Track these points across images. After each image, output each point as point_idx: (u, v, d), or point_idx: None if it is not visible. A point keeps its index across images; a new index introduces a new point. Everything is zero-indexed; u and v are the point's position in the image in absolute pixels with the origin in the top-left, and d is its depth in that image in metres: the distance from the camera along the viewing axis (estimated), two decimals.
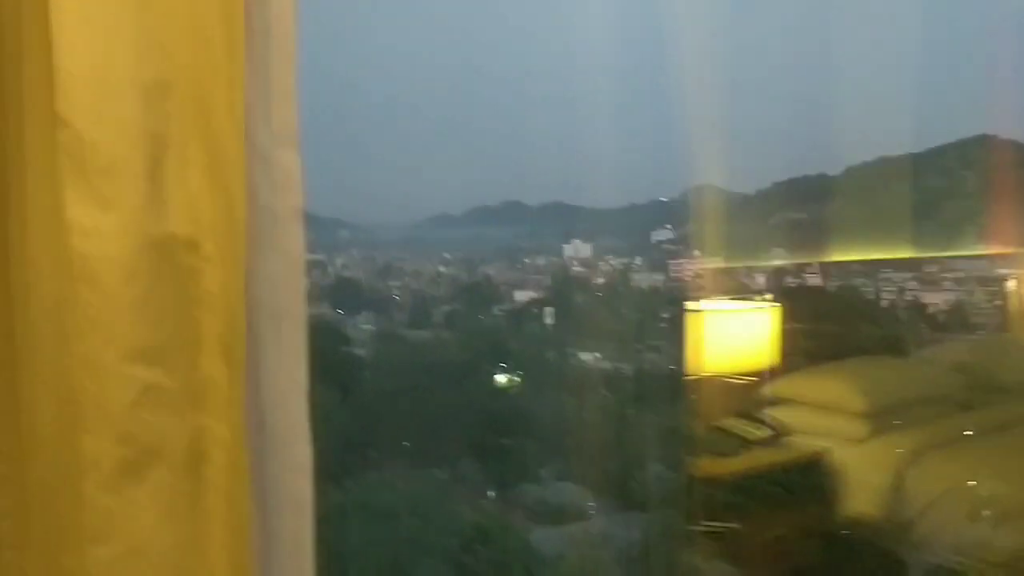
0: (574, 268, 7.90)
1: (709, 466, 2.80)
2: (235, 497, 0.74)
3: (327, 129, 8.17)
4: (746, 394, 2.99)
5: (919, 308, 5.38)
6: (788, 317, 3.43)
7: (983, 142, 5.59)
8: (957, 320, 4.96)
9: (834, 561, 2.91)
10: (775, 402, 3.12)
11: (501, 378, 7.39)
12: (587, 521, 5.93)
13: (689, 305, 2.88)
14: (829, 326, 4.07)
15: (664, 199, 7.12)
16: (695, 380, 2.84)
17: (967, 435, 3.08)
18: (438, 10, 8.20)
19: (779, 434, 2.99)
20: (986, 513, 2.62)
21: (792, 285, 5.43)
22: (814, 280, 5.54)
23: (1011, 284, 4.21)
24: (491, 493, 6.62)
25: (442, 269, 8.17)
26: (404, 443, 6.59)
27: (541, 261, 8.10)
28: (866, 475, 2.96)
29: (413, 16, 8.03)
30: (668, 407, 2.93)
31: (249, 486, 0.77)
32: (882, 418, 3.10)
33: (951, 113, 6.13)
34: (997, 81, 5.02)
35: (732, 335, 2.94)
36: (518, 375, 7.42)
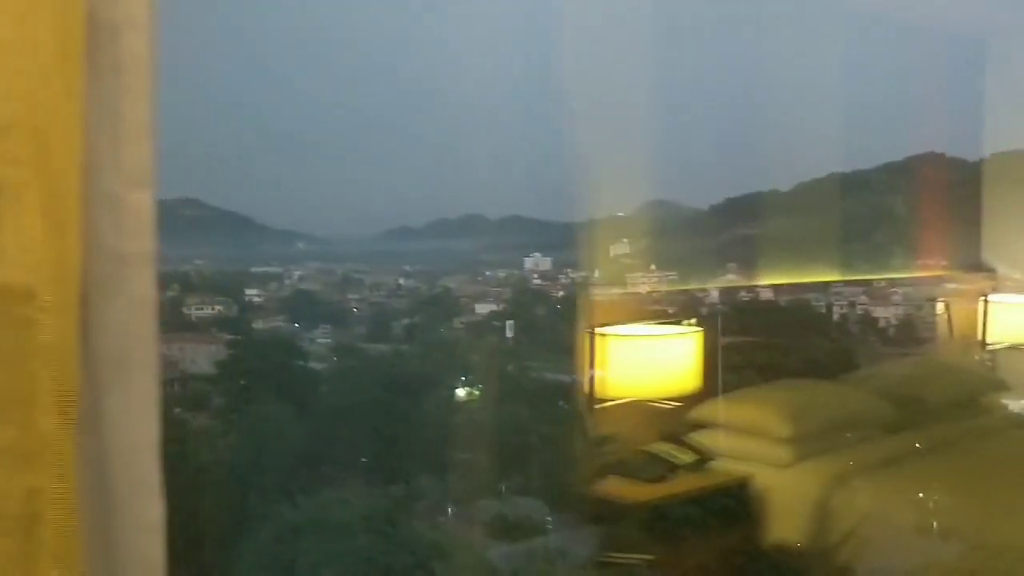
0: (534, 281, 7.90)
1: (636, 491, 2.78)
2: (69, 561, 0.71)
3: (285, 141, 8.11)
4: (672, 418, 2.98)
5: (870, 322, 5.43)
6: (730, 332, 3.43)
7: (930, 159, 5.67)
8: (906, 335, 5.02)
9: None
10: (701, 425, 3.11)
11: (461, 392, 7.35)
12: (545, 536, 5.91)
13: (610, 330, 2.86)
14: (773, 341, 4.08)
15: (621, 214, 7.14)
16: (620, 404, 2.82)
17: (893, 458, 3.08)
18: (400, 23, 8.17)
19: (705, 458, 2.98)
20: (910, 537, 2.62)
21: (745, 298, 5.46)
22: (766, 294, 5.57)
23: (940, 307, 4.28)
24: (450, 509, 6.58)
25: (402, 281, 8.13)
26: (361, 459, 6.53)
27: (502, 274, 8.09)
28: (791, 500, 2.96)
29: (376, 29, 8.00)
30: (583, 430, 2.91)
31: (83, 548, 0.73)
32: (808, 442, 3.10)
33: (900, 130, 6.20)
34: (944, 99, 5.08)
35: (655, 360, 2.93)
36: (478, 389, 7.39)
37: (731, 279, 5.44)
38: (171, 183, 8.21)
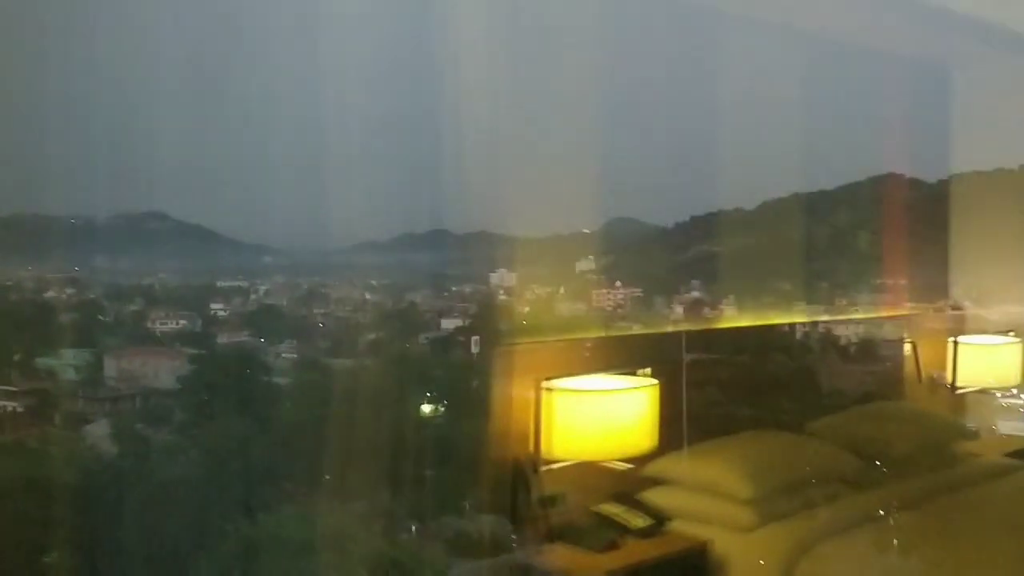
0: (500, 296, 7.90)
1: (584, 561, 2.65)
2: None
3: (252, 155, 8.08)
4: (624, 476, 2.83)
5: (832, 341, 5.48)
6: (695, 348, 3.34)
7: (891, 180, 5.76)
8: (866, 354, 5.04)
9: None
10: (657, 482, 2.94)
11: (426, 407, 7.33)
12: (509, 553, 5.89)
13: (558, 384, 2.73)
14: (737, 359, 4.00)
15: (587, 230, 7.18)
16: (567, 466, 2.71)
17: (860, 519, 2.93)
18: (379, 37, 8.19)
19: (660, 521, 2.82)
20: None
21: (708, 315, 5.50)
22: (731, 311, 5.62)
23: (906, 348, 4.17)
24: (412, 526, 6.54)
25: (368, 296, 8.10)
26: (323, 475, 6.48)
27: (467, 289, 8.09)
28: (754, 569, 2.78)
29: (357, 43, 8.01)
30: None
31: None
32: (770, 503, 2.89)
33: (861, 151, 6.31)
34: (906, 121, 5.17)
35: (606, 417, 2.78)
36: (443, 404, 7.37)
37: (695, 295, 5.49)
38: (136, 196, 8.16)
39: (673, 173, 6.46)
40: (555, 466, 2.71)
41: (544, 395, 2.71)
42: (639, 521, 2.77)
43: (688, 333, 3.61)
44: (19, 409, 7.19)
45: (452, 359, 7.54)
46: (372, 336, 7.97)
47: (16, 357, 7.34)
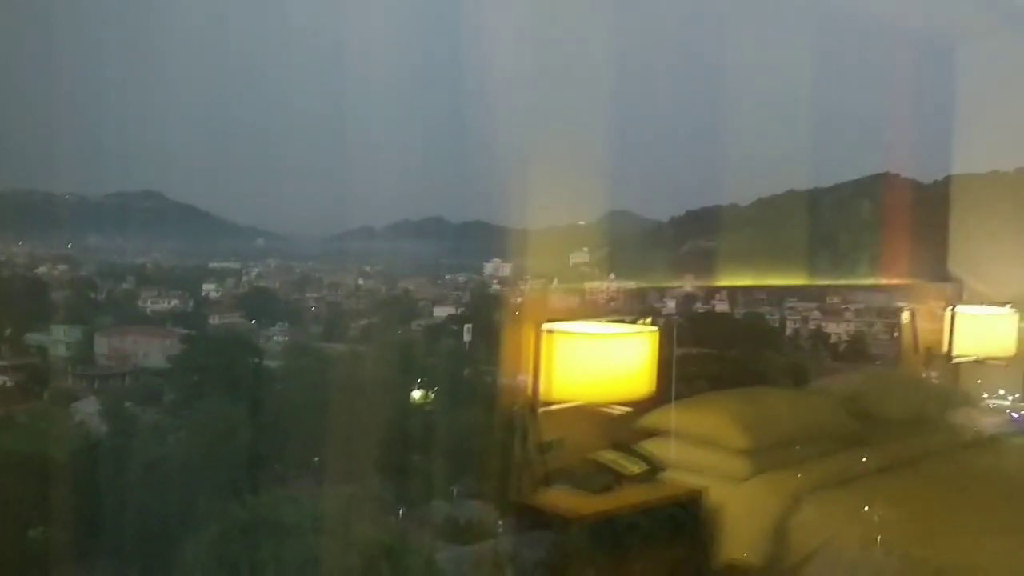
0: (494, 286, 7.91)
1: (580, 502, 2.70)
2: None
3: (250, 137, 8.06)
4: (622, 425, 2.88)
5: (822, 337, 5.52)
6: (685, 342, 3.38)
7: (883, 179, 5.79)
8: (856, 350, 5.08)
9: None
10: (652, 434, 3.01)
11: (416, 394, 7.35)
12: (495, 540, 5.92)
13: (559, 327, 2.76)
14: (728, 353, 4.04)
15: (582, 223, 7.20)
16: (567, 408, 2.75)
17: (856, 475, 2.99)
18: (377, 26, 8.18)
19: (655, 469, 2.88)
20: (871, 559, 2.59)
21: (700, 311, 5.51)
22: (722, 307, 5.64)
23: (904, 317, 4.23)
24: (401, 511, 6.56)
25: (361, 282, 8.10)
26: (313, 458, 6.49)
27: (461, 278, 8.10)
28: (747, 517, 2.82)
29: (350, 30, 8.00)
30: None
31: None
32: (765, 455, 2.97)
33: (856, 151, 6.34)
34: (897, 122, 5.20)
35: (606, 360, 2.82)
36: (433, 391, 7.39)
37: (687, 290, 5.49)
38: (133, 175, 8.15)
39: (670, 167, 6.48)
40: (554, 407, 2.74)
41: (544, 337, 2.73)
42: (635, 468, 2.81)
43: (710, 291, 3.67)
44: (8, 384, 7.18)
45: (444, 346, 7.55)
46: (364, 322, 7.98)
47: (6, 332, 7.32)
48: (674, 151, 6.62)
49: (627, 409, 2.74)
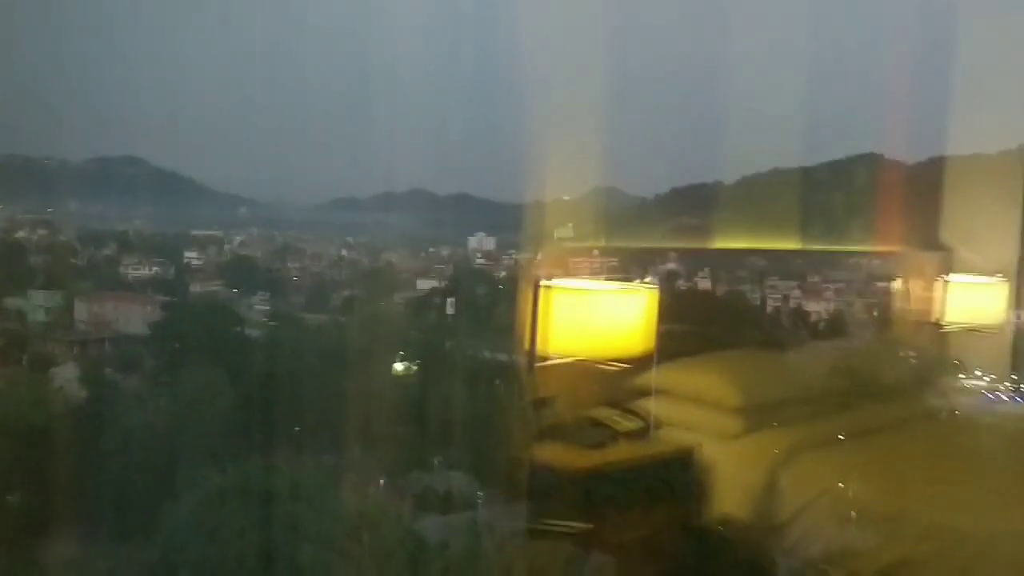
0: (477, 260, 7.91)
1: (574, 457, 2.74)
2: None
3: (234, 104, 7.99)
4: (617, 382, 2.91)
5: (802, 315, 5.55)
6: (669, 313, 3.40)
7: (868, 160, 5.81)
8: (836, 329, 5.12)
9: (701, 563, 2.91)
10: (647, 392, 3.05)
11: (398, 366, 7.35)
12: (473, 510, 5.95)
13: (556, 283, 2.77)
14: (710, 326, 4.07)
15: (567, 197, 7.19)
16: (561, 365, 2.76)
17: (842, 437, 3.07)
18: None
19: (649, 426, 2.93)
20: (856, 519, 2.65)
21: (682, 287, 5.53)
22: (704, 284, 5.66)
23: (894, 285, 4.29)
24: (381, 481, 6.58)
25: (344, 253, 8.08)
26: (293, 428, 6.49)
27: (445, 251, 8.09)
28: (738, 473, 2.89)
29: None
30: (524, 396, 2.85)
31: None
32: (757, 414, 3.03)
33: (841, 131, 6.36)
34: (885, 103, 5.21)
35: (602, 317, 2.84)
36: (415, 363, 7.39)
37: (671, 267, 5.51)
38: (114, 141, 8.06)
39: (656, 145, 6.48)
40: (549, 363, 2.76)
41: (542, 293, 2.74)
42: (628, 424, 2.85)
43: (683, 250, 3.72)
44: None
45: (426, 319, 7.56)
46: (347, 293, 7.96)
47: None
48: (661, 129, 6.62)
49: (623, 366, 2.76)
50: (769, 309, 5.10)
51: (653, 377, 3.01)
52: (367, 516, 5.75)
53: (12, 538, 5.51)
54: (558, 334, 2.76)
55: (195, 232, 8.02)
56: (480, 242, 7.70)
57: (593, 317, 2.80)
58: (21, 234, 7.68)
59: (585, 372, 2.80)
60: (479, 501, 5.81)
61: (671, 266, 5.40)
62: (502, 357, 6.61)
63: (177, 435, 6.37)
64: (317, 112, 7.47)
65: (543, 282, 2.74)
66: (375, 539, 5.59)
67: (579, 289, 2.81)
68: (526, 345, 2.71)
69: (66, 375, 7.27)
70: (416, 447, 6.51)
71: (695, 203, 6.29)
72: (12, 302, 7.38)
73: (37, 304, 7.43)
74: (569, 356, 2.74)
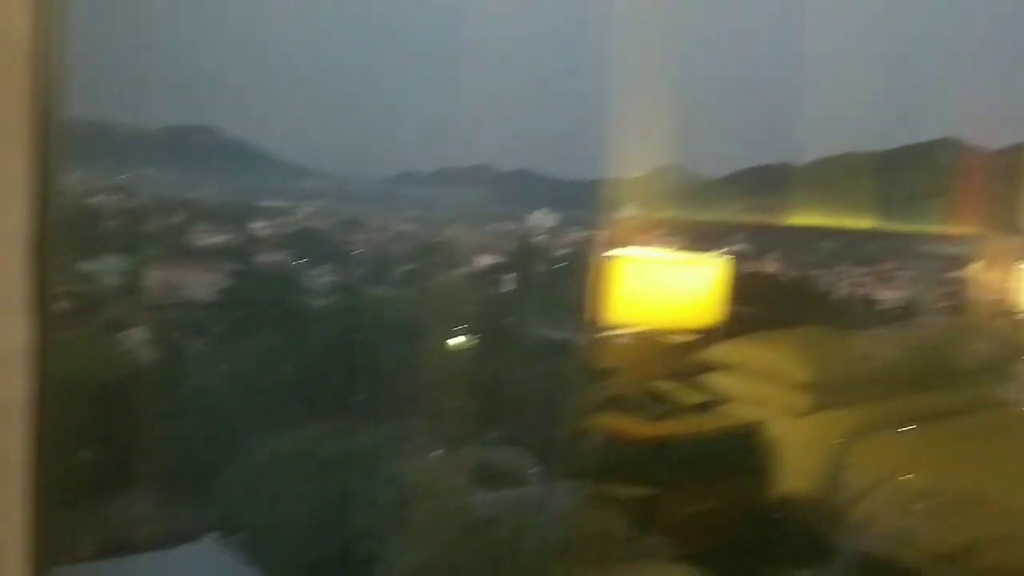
0: (537, 237, 7.90)
1: (636, 428, 2.73)
2: None
3: (302, 75, 8.06)
4: (683, 355, 2.89)
5: (873, 297, 5.43)
6: (738, 289, 3.36)
7: (947, 145, 5.63)
8: (908, 312, 5.00)
9: (760, 539, 2.87)
10: (714, 366, 3.02)
11: (456, 340, 7.39)
12: (527, 487, 5.96)
13: (622, 253, 2.75)
14: (780, 304, 4.02)
15: (632, 175, 7.12)
16: (626, 336, 2.75)
17: (915, 420, 3.00)
18: None
19: (714, 401, 2.90)
20: (924, 502, 2.59)
21: (751, 265, 5.46)
22: (773, 263, 5.57)
23: (968, 270, 4.18)
24: (435, 453, 6.63)
25: (405, 227, 8.13)
26: (351, 398, 6.57)
27: (505, 227, 8.09)
28: (803, 451, 2.86)
29: None
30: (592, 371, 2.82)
31: None
32: (826, 393, 2.99)
33: (918, 114, 6.16)
34: (965, 87, 5.04)
35: (669, 287, 2.81)
36: (474, 338, 7.42)
37: (740, 248, 5.43)
38: (187, 110, 8.19)
39: (726, 124, 6.36)
40: (614, 334, 2.75)
41: (607, 263, 2.74)
42: (692, 398, 2.84)
43: (752, 228, 3.70)
44: (61, 310, 7.37)
45: (484, 295, 7.57)
46: (407, 267, 8.02)
47: (60, 259, 7.48)
48: (732, 109, 6.49)
49: (688, 339, 2.74)
50: (840, 290, 5.01)
51: (720, 351, 2.98)
52: (422, 487, 5.81)
53: (81, 492, 5.69)
54: (623, 305, 2.74)
55: (262, 203, 8.15)
56: (541, 218, 7.67)
57: (659, 287, 2.77)
58: (96, 199, 7.88)
59: (650, 344, 2.78)
60: (535, 476, 5.82)
61: (740, 246, 5.31)
62: (561, 334, 6.60)
63: (240, 399, 6.50)
64: (384, 86, 7.49)
65: (609, 252, 2.72)
66: (429, 510, 5.65)
67: (645, 259, 2.78)
68: (589, 316, 2.70)
69: (136, 338, 7.46)
70: (473, 421, 6.54)
71: (765, 184, 6.18)
72: (86, 265, 7.59)
73: (110, 268, 7.63)
74: (634, 327, 2.72)
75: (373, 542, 5.38)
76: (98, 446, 6.31)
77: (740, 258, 5.73)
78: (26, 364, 0.77)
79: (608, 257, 2.69)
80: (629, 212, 6.13)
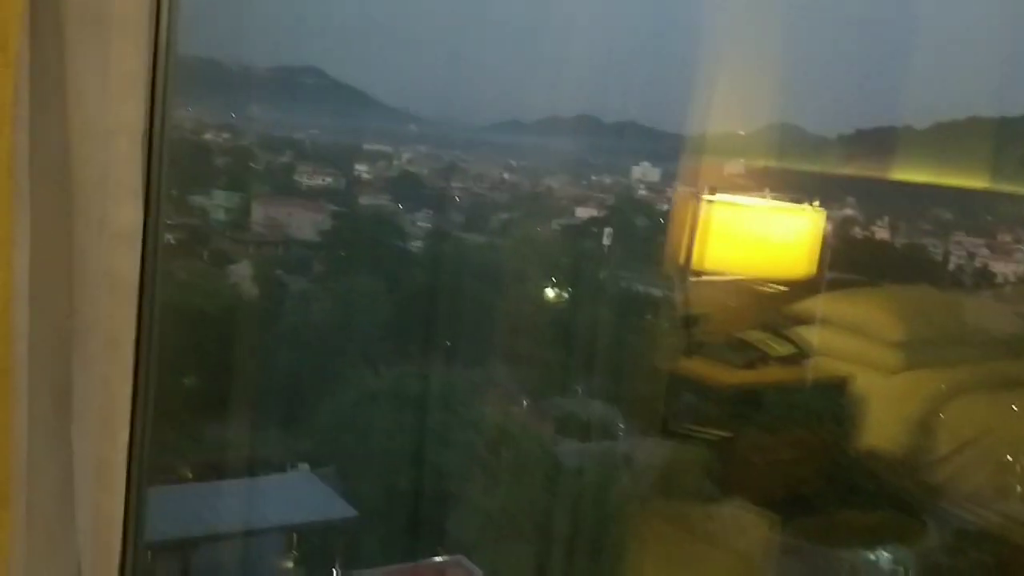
0: (640, 191, 7.78)
1: (722, 374, 2.69)
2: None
3: (408, 20, 8.06)
4: (773, 305, 2.83)
5: (977, 259, 5.17)
6: (836, 266, 3.26)
7: None
8: (1012, 276, 4.75)
9: (841, 492, 2.82)
10: (804, 319, 2.95)
11: (549, 291, 7.39)
12: (614, 440, 5.97)
13: (717, 198, 2.69)
14: (880, 260, 3.87)
15: (741, 132, 6.91)
16: (721, 283, 2.69)
17: (1011, 382, 2.87)
18: None
19: (803, 353, 2.84)
20: (1013, 464, 2.50)
21: (858, 236, 5.26)
22: (882, 234, 5.36)
23: None
24: (524, 402, 6.70)
25: (505, 176, 8.12)
26: (444, 341, 6.67)
27: (607, 180, 7.99)
28: (892, 409, 2.79)
29: None
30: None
31: None
32: (920, 350, 2.89)
33: None
34: None
35: (763, 234, 2.74)
36: (568, 290, 7.41)
37: (848, 213, 5.23)
38: (296, 50, 8.31)
39: (844, 83, 6.07)
40: (705, 280, 2.72)
41: (703, 207, 2.69)
42: (782, 349, 2.81)
43: (849, 214, 3.59)
44: (171, 241, 7.65)
45: (582, 247, 7.53)
46: (505, 216, 8.02)
47: (172, 192, 7.76)
48: (849, 66, 6.20)
49: (780, 288, 2.69)
50: (949, 258, 4.79)
51: (814, 304, 2.90)
52: (508, 433, 5.89)
53: (182, 416, 5.98)
54: (716, 250, 2.68)
55: (366, 146, 8.24)
56: (644, 172, 7.55)
57: (754, 234, 2.71)
58: (207, 136, 8.11)
59: (741, 292, 2.73)
60: (622, 430, 5.83)
61: (851, 210, 5.11)
62: (657, 289, 6.52)
63: (338, 336, 6.69)
64: (491, 34, 7.43)
65: (704, 196, 2.67)
66: (514, 456, 5.73)
67: (740, 204, 2.72)
68: (685, 263, 2.65)
69: (241, 273, 7.73)
70: (563, 372, 6.57)
71: (879, 148, 5.90)
72: (196, 200, 7.85)
73: (218, 204, 7.88)
74: (726, 273, 2.67)
75: (456, 482, 5.51)
76: (201, 374, 6.61)
77: (850, 221, 5.53)
78: (132, 291, 0.79)
79: (708, 202, 2.63)
80: (734, 166, 5.96)
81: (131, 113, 0.74)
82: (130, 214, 0.76)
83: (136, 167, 0.75)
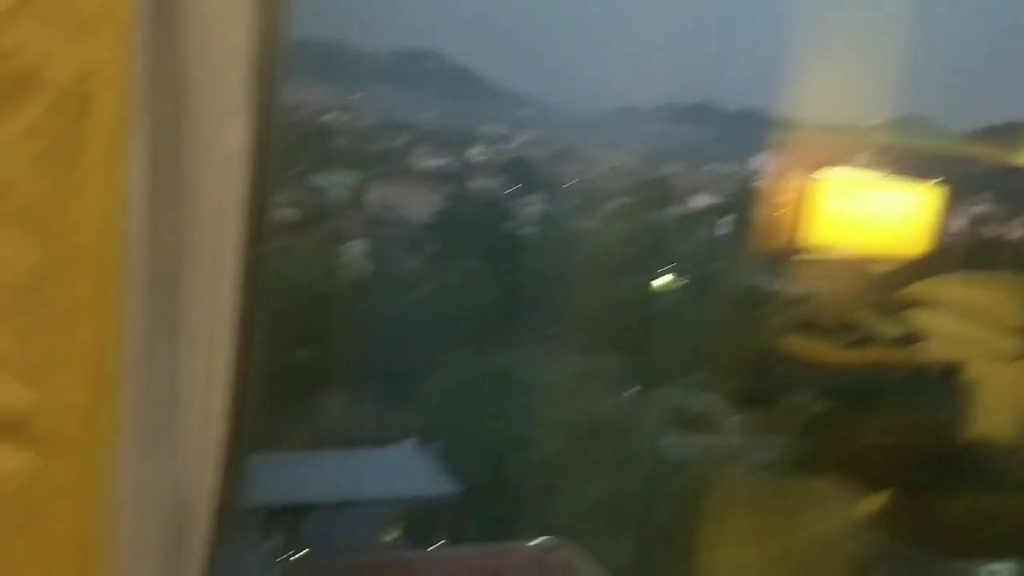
0: (758, 181, 7.55)
1: (829, 354, 2.59)
2: (116, 148, 0.67)
3: (526, 5, 8.05)
4: (884, 284, 2.70)
5: None
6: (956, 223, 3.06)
7: None
8: None
9: (948, 476, 2.69)
10: (916, 302, 2.81)
11: (660, 280, 7.27)
12: (721, 434, 5.83)
13: (828, 174, 2.57)
14: (1000, 247, 3.64)
15: (867, 124, 6.62)
16: (831, 261, 2.58)
17: None
18: None
19: (913, 336, 2.70)
20: None
21: (991, 234, 4.97)
22: (1019, 232, 5.05)
23: None
24: (630, 391, 6.61)
25: (620, 161, 8.02)
26: (551, 327, 6.64)
27: (725, 168, 7.80)
28: (1008, 396, 2.64)
29: None
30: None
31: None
32: None
33: None
34: None
35: (876, 211, 2.61)
36: (679, 280, 7.27)
37: (983, 209, 4.94)
38: (415, 35, 8.40)
39: (977, 77, 5.75)
40: (814, 258, 2.63)
41: (812, 185, 2.60)
42: (891, 330, 2.70)
43: (984, 211, 3.40)
44: (292, 219, 7.90)
45: (696, 236, 7.37)
46: (618, 202, 7.93)
47: (294, 171, 7.99)
48: (984, 59, 5.86)
49: (891, 267, 2.58)
50: None
51: (927, 287, 2.75)
52: (612, 422, 5.83)
53: (298, 383, 6.16)
54: (827, 227, 2.57)
55: (481, 129, 8.28)
56: (764, 161, 7.32)
57: (866, 211, 2.58)
58: (328, 117, 8.31)
59: (850, 271, 2.61)
60: (730, 425, 5.68)
61: (987, 206, 4.83)
62: (771, 280, 6.32)
63: (447, 317, 6.75)
64: (607, 22, 7.34)
65: (814, 174, 2.55)
66: (617, 446, 5.67)
67: (852, 181, 2.59)
68: (796, 241, 2.55)
69: (356, 250, 7.91)
70: (672, 363, 6.45)
71: (1016, 143, 5.54)
72: (316, 178, 8.07)
73: (337, 183, 8.08)
74: (835, 250, 2.56)
75: (559, 469, 5.49)
76: (313, 348, 6.80)
77: (983, 219, 5.22)
78: (238, 210, 0.80)
79: (811, 178, 2.52)
80: (860, 156, 5.73)
81: (241, 37, 0.74)
82: (238, 135, 0.76)
83: (244, 89, 0.75)
